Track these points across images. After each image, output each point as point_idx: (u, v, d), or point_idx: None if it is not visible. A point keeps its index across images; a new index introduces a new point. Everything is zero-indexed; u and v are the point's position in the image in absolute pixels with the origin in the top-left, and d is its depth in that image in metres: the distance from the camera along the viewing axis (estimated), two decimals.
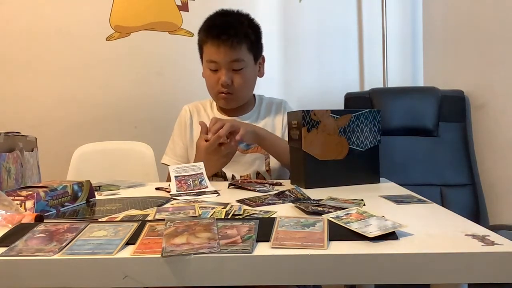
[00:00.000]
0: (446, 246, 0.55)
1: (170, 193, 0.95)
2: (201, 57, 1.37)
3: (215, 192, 0.96)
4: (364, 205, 0.80)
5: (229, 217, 0.72)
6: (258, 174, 1.30)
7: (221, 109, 1.41)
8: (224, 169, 1.29)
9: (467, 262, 0.52)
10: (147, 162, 1.58)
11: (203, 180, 1.01)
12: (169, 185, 1.01)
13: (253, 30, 1.31)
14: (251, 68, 1.32)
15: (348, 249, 0.55)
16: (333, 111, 1.03)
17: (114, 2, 2.07)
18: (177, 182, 0.98)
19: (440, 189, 1.72)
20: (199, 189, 0.97)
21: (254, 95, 1.44)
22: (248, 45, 1.29)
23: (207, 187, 0.98)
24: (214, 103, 1.43)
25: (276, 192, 0.94)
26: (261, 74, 1.40)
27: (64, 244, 0.58)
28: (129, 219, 0.73)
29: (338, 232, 0.60)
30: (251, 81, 1.34)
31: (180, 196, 0.93)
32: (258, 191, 0.99)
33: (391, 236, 0.58)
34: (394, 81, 2.14)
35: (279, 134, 1.36)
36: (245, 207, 0.80)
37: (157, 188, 1.07)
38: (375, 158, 1.08)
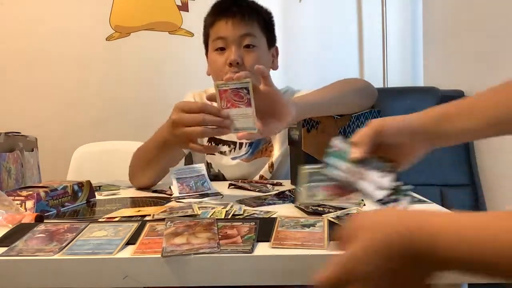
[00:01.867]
0: None
1: (173, 196, 0.94)
2: (207, 52, 1.22)
3: (219, 193, 0.95)
4: (364, 205, 0.79)
5: (229, 217, 0.72)
6: (261, 177, 1.23)
7: None
8: (228, 178, 1.23)
9: None
10: None
11: (205, 182, 1.00)
12: (169, 187, 1.01)
13: (267, 13, 1.20)
14: (264, 51, 1.17)
15: None
16: None
17: (114, 2, 2.07)
18: (179, 185, 0.98)
19: (440, 189, 1.72)
20: (202, 191, 0.97)
21: None
22: (261, 24, 1.16)
23: (209, 189, 0.98)
24: None
25: (276, 192, 0.94)
26: (275, 66, 1.23)
27: (64, 244, 0.58)
28: (128, 219, 0.73)
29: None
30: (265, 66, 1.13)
31: (184, 198, 0.92)
32: (258, 191, 0.99)
33: None
34: (394, 81, 2.14)
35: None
36: (245, 207, 0.80)
37: (154, 191, 1.05)
38: None
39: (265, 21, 1.18)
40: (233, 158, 1.23)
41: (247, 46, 1.13)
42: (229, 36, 1.13)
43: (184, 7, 2.08)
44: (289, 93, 1.24)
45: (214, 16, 1.17)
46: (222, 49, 1.14)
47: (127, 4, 2.08)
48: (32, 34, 2.05)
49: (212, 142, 1.25)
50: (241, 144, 1.23)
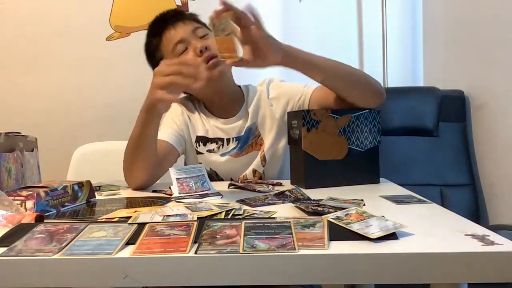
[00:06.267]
0: (446, 246, 0.55)
1: (173, 196, 0.94)
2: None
3: (219, 194, 0.95)
4: (364, 205, 0.79)
5: (229, 217, 0.72)
6: (254, 172, 1.25)
7: (209, 112, 1.30)
8: (220, 174, 1.26)
9: (467, 262, 0.52)
10: None
11: (205, 182, 1.00)
12: (169, 187, 1.01)
13: (192, 13, 1.30)
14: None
15: (348, 249, 0.55)
16: (333, 111, 1.03)
17: (114, 2, 2.07)
18: (179, 185, 0.98)
19: (440, 189, 1.72)
20: (201, 191, 0.97)
21: (240, 87, 1.31)
22: (196, 20, 1.26)
23: (209, 189, 0.98)
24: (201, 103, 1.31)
25: (276, 192, 0.93)
26: None
27: (63, 245, 0.58)
28: (127, 219, 0.73)
29: (339, 233, 0.60)
30: None
31: (184, 198, 0.92)
32: (258, 191, 0.99)
33: (391, 236, 0.58)
34: (394, 81, 2.14)
35: (279, 121, 1.24)
36: (245, 207, 0.80)
37: (154, 191, 1.06)
38: (375, 158, 1.08)
39: (195, 18, 1.27)
40: (222, 155, 1.25)
41: (203, 37, 1.21)
42: (184, 35, 1.20)
43: (184, 7, 2.08)
44: (267, 82, 1.32)
45: (157, 34, 1.26)
46: (184, 51, 1.20)
47: (127, 4, 2.08)
48: (32, 34, 2.05)
49: (200, 142, 1.27)
50: (228, 140, 1.26)
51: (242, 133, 1.25)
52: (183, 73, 0.88)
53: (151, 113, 0.99)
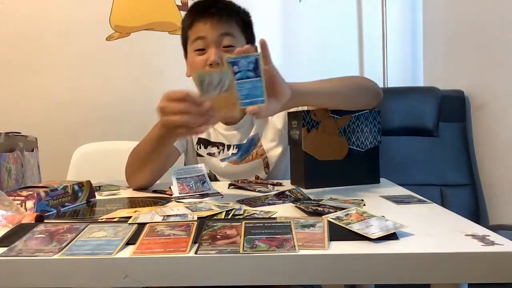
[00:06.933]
0: (446, 246, 0.55)
1: (173, 196, 0.94)
2: (185, 55, 1.23)
3: (219, 194, 0.95)
4: (364, 205, 0.79)
5: (229, 217, 0.72)
6: (257, 178, 1.25)
7: None
8: (219, 178, 1.26)
9: (467, 262, 0.52)
10: None
11: (205, 182, 1.00)
12: (169, 187, 1.01)
13: (245, 13, 1.20)
14: None
15: (348, 249, 0.55)
16: (333, 111, 1.03)
17: (114, 2, 2.07)
18: (179, 185, 0.98)
19: (440, 189, 1.72)
20: (202, 191, 0.97)
21: None
22: (240, 24, 1.17)
23: (209, 189, 0.98)
24: None
25: (276, 192, 0.93)
26: None
27: (63, 245, 0.58)
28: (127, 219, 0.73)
29: (339, 233, 0.60)
30: None
31: (184, 198, 0.92)
32: (258, 191, 0.99)
33: (391, 236, 0.58)
34: (394, 81, 2.14)
35: (281, 131, 1.23)
36: (245, 207, 0.80)
37: (154, 191, 1.06)
38: (375, 158, 1.08)
39: (243, 21, 1.19)
40: (222, 160, 1.24)
41: (227, 47, 1.13)
42: (208, 36, 1.13)
43: (184, 7, 2.08)
44: None
45: (192, 17, 1.18)
46: (201, 50, 1.14)
47: (127, 4, 2.08)
48: (32, 34, 2.05)
49: (201, 144, 1.27)
50: (229, 146, 1.25)
51: (244, 142, 1.24)
52: (191, 112, 0.81)
53: (160, 141, 0.99)
